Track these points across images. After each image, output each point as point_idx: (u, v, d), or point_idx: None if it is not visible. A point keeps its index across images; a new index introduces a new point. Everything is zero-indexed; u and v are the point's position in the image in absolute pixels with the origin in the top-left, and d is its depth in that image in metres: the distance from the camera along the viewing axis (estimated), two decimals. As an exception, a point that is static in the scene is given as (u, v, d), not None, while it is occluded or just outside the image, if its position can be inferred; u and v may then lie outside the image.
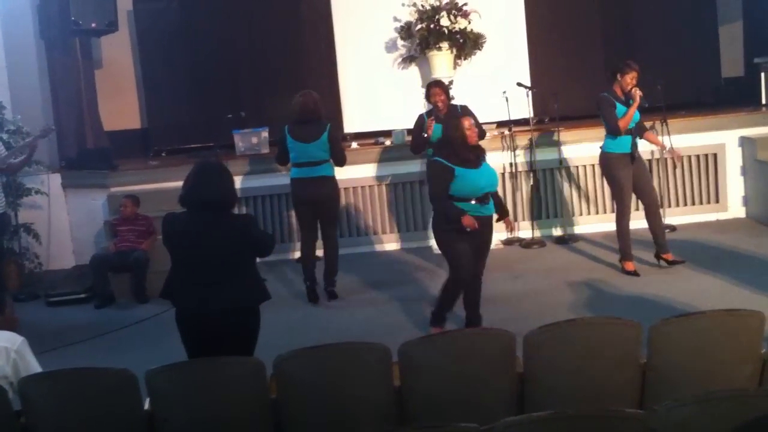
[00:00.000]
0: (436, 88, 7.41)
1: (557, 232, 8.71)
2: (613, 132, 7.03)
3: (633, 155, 6.99)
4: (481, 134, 7.54)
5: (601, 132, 8.49)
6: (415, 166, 8.53)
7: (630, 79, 6.90)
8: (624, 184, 7.05)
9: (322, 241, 7.20)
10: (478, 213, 5.74)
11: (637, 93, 6.87)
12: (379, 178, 8.69)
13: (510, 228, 6.17)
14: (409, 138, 8.74)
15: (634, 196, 7.25)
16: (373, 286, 7.44)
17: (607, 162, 7.15)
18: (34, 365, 4.00)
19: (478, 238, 5.77)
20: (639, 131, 7.18)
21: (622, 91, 6.96)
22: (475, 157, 5.76)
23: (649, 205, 7.17)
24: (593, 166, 8.72)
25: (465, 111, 7.48)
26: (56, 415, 3.64)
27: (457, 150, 5.73)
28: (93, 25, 8.87)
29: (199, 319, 4.29)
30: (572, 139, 8.67)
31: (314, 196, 6.96)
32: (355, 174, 8.48)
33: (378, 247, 8.68)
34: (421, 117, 7.58)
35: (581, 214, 8.80)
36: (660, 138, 7.85)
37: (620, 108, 6.95)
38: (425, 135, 7.30)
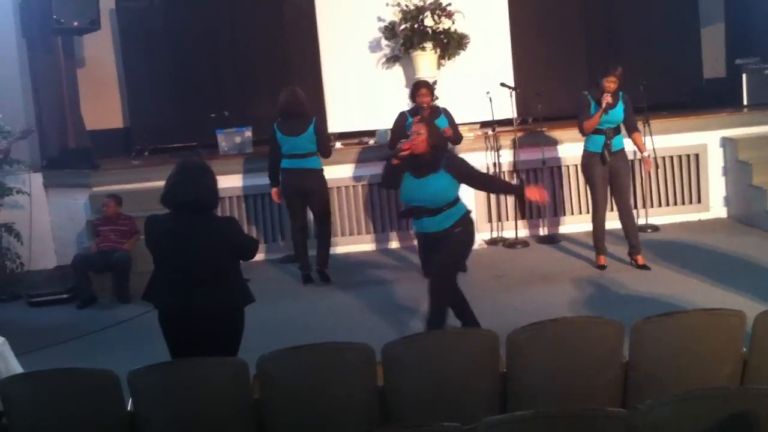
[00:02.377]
0: (423, 89, 7.43)
1: (541, 231, 8.74)
2: (580, 131, 7.19)
3: (603, 156, 7.04)
4: (456, 139, 7.58)
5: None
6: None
7: (607, 83, 6.92)
8: (595, 181, 7.17)
9: (315, 228, 7.65)
10: (416, 226, 5.50)
11: (605, 99, 6.90)
12: (362, 178, 8.69)
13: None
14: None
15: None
16: (355, 286, 7.43)
17: (582, 159, 7.33)
18: (15, 366, 3.98)
19: (422, 254, 5.59)
20: (628, 130, 7.22)
21: (602, 93, 6.98)
22: (418, 166, 5.27)
23: (621, 206, 7.26)
24: (576, 166, 8.75)
25: (446, 113, 7.51)
26: (38, 416, 3.62)
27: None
28: (75, 23, 8.81)
29: (181, 321, 4.27)
30: (555, 140, 8.70)
31: (303, 186, 7.37)
32: (339, 174, 8.48)
33: (359, 248, 8.67)
34: (402, 115, 7.61)
35: (565, 214, 8.84)
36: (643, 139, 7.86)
37: (595, 108, 7.02)
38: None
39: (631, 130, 7.27)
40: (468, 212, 5.41)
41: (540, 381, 3.64)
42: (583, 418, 2.87)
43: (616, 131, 7.12)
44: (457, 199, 5.33)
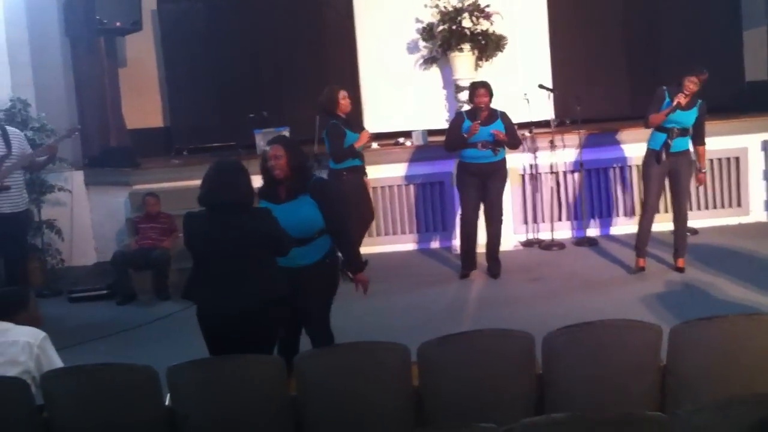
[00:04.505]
0: (481, 89, 7.35)
1: (577, 234, 8.68)
2: (644, 123, 7.07)
3: (659, 154, 6.92)
4: (514, 144, 7.52)
5: (622, 135, 8.50)
6: (437, 167, 8.54)
7: (688, 81, 6.78)
8: (649, 180, 7.06)
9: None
10: (282, 261, 4.56)
11: (678, 98, 6.76)
12: (400, 179, 8.70)
13: (365, 289, 4.98)
14: (432, 138, 8.77)
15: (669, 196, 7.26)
16: (392, 286, 7.44)
17: (644, 156, 7.18)
18: (56, 360, 4.03)
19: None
20: (694, 141, 7.09)
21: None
22: (278, 193, 4.72)
23: (676, 209, 7.16)
24: (613, 168, 8.71)
25: (504, 117, 7.44)
26: (78, 410, 3.67)
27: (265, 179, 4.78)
28: (117, 24, 8.93)
29: (220, 319, 4.31)
30: (593, 142, 8.63)
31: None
32: (376, 174, 8.50)
33: (399, 247, 8.68)
34: (459, 115, 7.61)
35: (601, 217, 8.77)
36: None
37: (668, 105, 6.89)
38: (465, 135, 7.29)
39: (698, 142, 7.12)
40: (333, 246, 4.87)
41: (576, 384, 3.62)
42: (621, 422, 2.85)
43: (682, 133, 6.94)
44: (324, 230, 4.76)
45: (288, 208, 4.62)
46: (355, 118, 7.80)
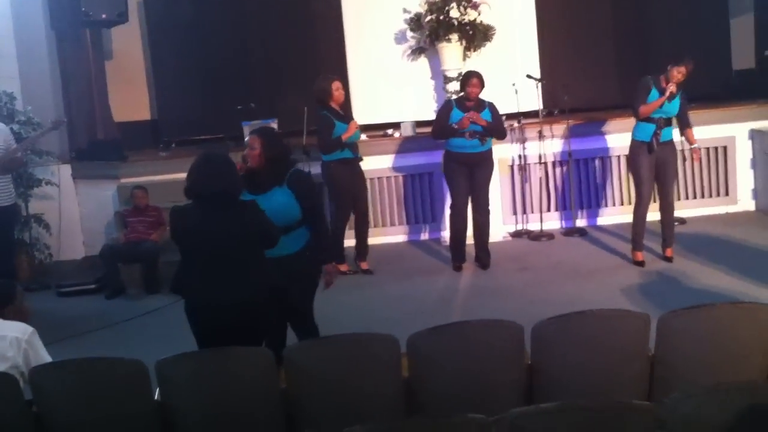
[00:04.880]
0: (474, 79, 7.34)
1: (566, 224, 8.70)
2: (634, 115, 7.06)
3: (651, 145, 6.94)
4: (500, 133, 7.53)
5: (610, 125, 8.52)
6: (426, 158, 8.53)
7: (676, 71, 6.81)
8: (641, 172, 7.05)
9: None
10: None
11: (670, 87, 6.79)
12: (389, 170, 8.70)
13: (327, 282, 4.95)
14: (420, 130, 8.76)
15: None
16: (382, 277, 7.45)
17: (630, 148, 7.20)
18: (44, 355, 4.02)
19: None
20: (681, 126, 7.13)
21: (666, 81, 6.88)
22: (256, 182, 4.72)
23: (663, 198, 7.18)
24: (602, 158, 8.74)
25: (492, 108, 7.44)
26: (67, 405, 3.67)
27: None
28: (103, 16, 8.86)
29: (209, 311, 4.30)
30: (582, 132, 8.65)
31: None
32: (365, 166, 8.47)
33: (389, 239, 8.69)
34: (447, 102, 7.61)
35: (590, 207, 8.79)
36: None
37: (654, 95, 6.91)
38: (455, 126, 7.30)
39: (685, 126, 7.15)
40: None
41: (565, 373, 3.63)
42: (609, 410, 2.86)
43: (667, 123, 6.99)
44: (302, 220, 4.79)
45: (262, 198, 4.60)
46: (345, 109, 7.76)
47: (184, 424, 3.69)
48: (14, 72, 8.68)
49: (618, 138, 8.54)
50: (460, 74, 8.43)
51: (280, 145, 4.87)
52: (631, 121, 7.31)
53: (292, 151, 5.07)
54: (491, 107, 7.40)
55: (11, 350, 3.91)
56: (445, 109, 7.52)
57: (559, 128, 8.61)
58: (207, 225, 4.27)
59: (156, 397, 3.77)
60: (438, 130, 7.51)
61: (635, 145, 7.08)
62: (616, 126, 8.54)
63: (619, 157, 8.67)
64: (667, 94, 6.81)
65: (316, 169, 7.55)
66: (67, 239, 8.84)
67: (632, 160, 7.17)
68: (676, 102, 6.97)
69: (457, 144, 7.34)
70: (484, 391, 3.61)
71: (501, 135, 7.57)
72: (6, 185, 7.02)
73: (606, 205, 8.79)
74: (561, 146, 8.60)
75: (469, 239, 7.64)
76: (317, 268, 4.91)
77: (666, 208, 7.15)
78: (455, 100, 7.58)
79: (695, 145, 7.26)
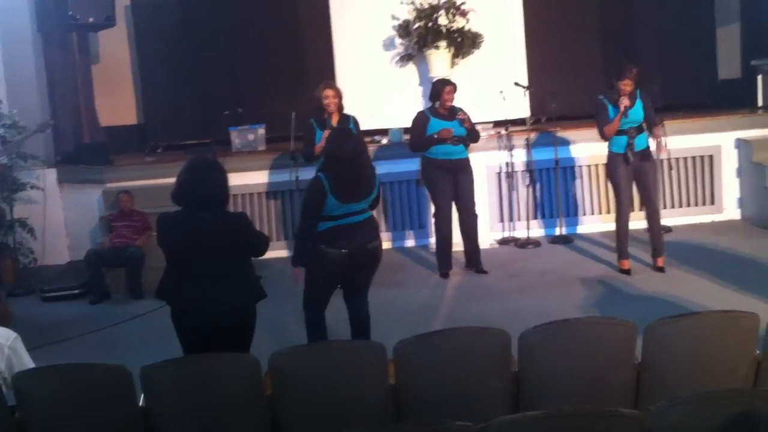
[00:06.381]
0: (449, 87, 7.37)
1: (553, 231, 8.72)
2: (601, 137, 7.09)
3: (626, 156, 6.96)
4: (477, 136, 7.55)
5: (597, 133, 8.52)
6: (414, 165, 8.52)
7: (622, 86, 6.82)
8: (619, 183, 7.06)
9: None
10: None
11: (623, 102, 6.81)
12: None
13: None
14: (408, 136, 8.75)
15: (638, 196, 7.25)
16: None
17: (607, 160, 7.22)
18: (27, 361, 3.98)
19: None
20: (649, 127, 7.07)
21: (618, 96, 6.88)
22: None
23: (648, 206, 7.19)
24: (589, 166, 8.77)
25: (462, 111, 7.49)
26: (51, 411, 3.63)
27: None
28: (91, 19, 8.84)
29: (194, 318, 4.28)
30: (569, 139, 8.68)
31: None
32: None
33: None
34: (422, 114, 7.56)
35: (577, 214, 8.82)
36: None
37: (613, 112, 6.93)
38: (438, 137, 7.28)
39: (653, 125, 7.09)
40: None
41: (552, 381, 3.63)
42: (596, 418, 2.86)
43: (639, 130, 6.99)
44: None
45: None
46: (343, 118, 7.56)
47: (169, 430, 3.66)
48: (0, 75, 8.63)
49: (604, 146, 8.50)
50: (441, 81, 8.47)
51: (332, 146, 5.15)
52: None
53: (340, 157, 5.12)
54: (461, 111, 7.40)
55: (-6, 356, 3.87)
56: (421, 121, 7.48)
57: (546, 136, 8.62)
58: (193, 231, 4.26)
59: (141, 403, 3.74)
60: (417, 142, 7.48)
61: (611, 156, 7.11)
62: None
63: (606, 164, 8.69)
64: (622, 109, 6.83)
65: (304, 174, 7.53)
66: (52, 243, 8.79)
67: (610, 171, 7.21)
68: (638, 107, 6.96)
69: (441, 151, 7.33)
70: (470, 399, 3.61)
71: (477, 137, 7.60)
72: (-11, 189, 6.99)
73: (593, 213, 8.81)
74: (548, 154, 8.61)
75: (457, 246, 7.64)
76: (315, 259, 5.12)
77: (652, 216, 7.16)
78: (429, 109, 7.57)
79: (660, 139, 7.07)
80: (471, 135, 7.42)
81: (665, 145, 7.19)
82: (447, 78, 7.60)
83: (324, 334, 5.24)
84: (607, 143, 7.14)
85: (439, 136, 7.26)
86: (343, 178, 5.03)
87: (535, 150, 8.63)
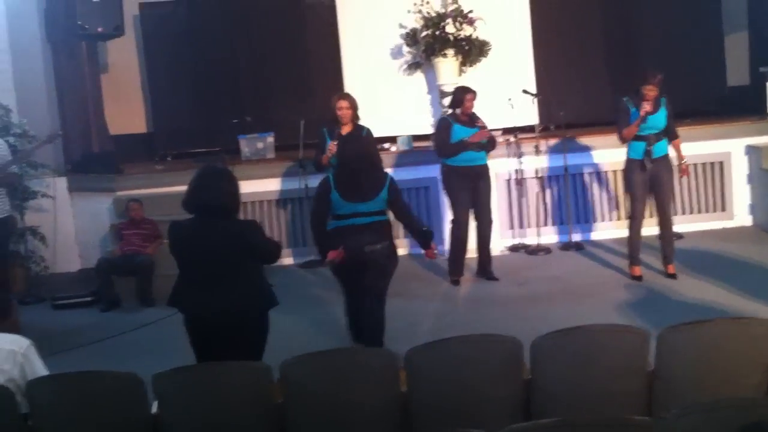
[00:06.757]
0: (470, 94, 7.39)
1: (563, 238, 8.70)
2: (619, 139, 7.06)
3: (643, 163, 6.93)
4: (493, 144, 7.56)
5: (605, 140, 8.54)
6: (422, 172, 8.54)
7: (646, 90, 6.79)
8: (634, 190, 7.04)
9: None
10: None
11: (644, 108, 6.78)
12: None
13: None
14: (417, 144, 8.77)
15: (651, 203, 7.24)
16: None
17: (625, 165, 7.18)
18: (40, 368, 4.00)
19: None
20: (669, 138, 7.07)
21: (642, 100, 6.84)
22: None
23: (661, 214, 7.14)
24: (598, 173, 8.76)
25: (480, 119, 7.49)
26: (63, 418, 3.65)
27: None
28: (99, 29, 8.88)
29: (206, 325, 4.30)
30: (578, 147, 8.67)
31: None
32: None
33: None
34: (446, 120, 7.54)
35: (587, 221, 8.80)
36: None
37: (635, 114, 6.89)
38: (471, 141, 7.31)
39: (672, 138, 7.11)
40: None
41: (564, 389, 3.62)
42: (608, 426, 2.85)
43: (659, 137, 6.95)
44: None
45: None
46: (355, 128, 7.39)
47: (180, 437, 3.67)
48: (9, 85, 8.69)
49: (613, 153, 8.53)
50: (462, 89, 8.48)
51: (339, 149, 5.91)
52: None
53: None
54: (479, 119, 7.44)
55: (6, 363, 3.88)
56: (444, 127, 7.48)
57: (555, 143, 8.62)
58: (204, 239, 4.28)
59: (154, 411, 3.74)
60: (444, 147, 7.44)
61: (629, 162, 7.08)
62: (612, 141, 8.54)
63: (615, 171, 8.69)
64: (643, 114, 6.80)
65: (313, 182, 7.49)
66: (63, 252, 8.82)
67: (626, 177, 7.17)
68: (662, 114, 6.95)
69: (466, 158, 7.33)
70: (481, 406, 3.60)
71: (495, 145, 7.65)
72: (1, 198, 7.00)
73: (603, 220, 8.80)
74: (557, 161, 8.61)
75: (469, 252, 7.64)
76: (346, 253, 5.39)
77: (664, 224, 7.13)
78: (450, 116, 7.58)
79: (684, 161, 7.25)
80: (491, 142, 7.45)
81: (687, 167, 7.30)
82: (467, 86, 7.57)
83: (353, 323, 5.73)
84: (623, 149, 7.12)
85: (472, 140, 7.26)
86: (346, 177, 5.45)
87: (549, 156, 8.61)
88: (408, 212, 5.76)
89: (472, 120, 7.39)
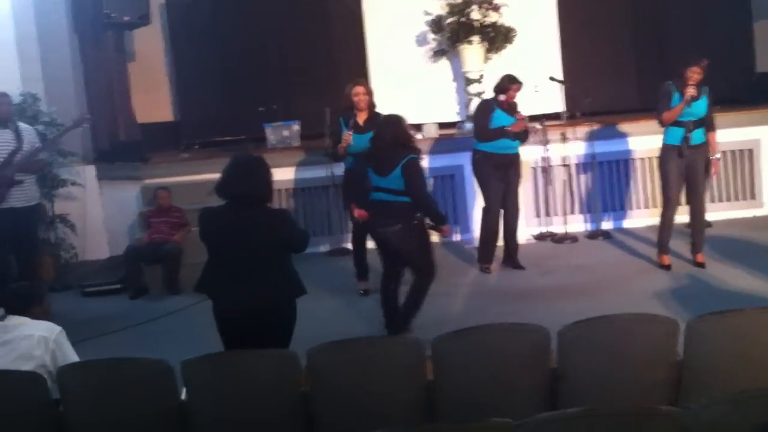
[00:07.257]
0: (517, 85, 7.29)
1: (589, 227, 8.65)
2: (658, 122, 6.96)
3: (681, 149, 6.83)
4: (527, 136, 7.53)
5: (633, 127, 8.47)
6: (448, 160, 8.52)
7: (690, 72, 6.68)
8: (668, 176, 6.95)
9: None
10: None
11: (689, 91, 6.66)
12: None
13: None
14: (442, 131, 8.74)
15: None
16: (407, 278, 7.42)
17: (661, 152, 7.08)
18: (71, 355, 4.05)
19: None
20: (706, 128, 6.95)
21: (686, 85, 6.73)
22: None
23: (693, 203, 7.05)
24: (626, 161, 8.69)
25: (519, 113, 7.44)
26: (93, 404, 3.69)
27: None
28: (126, 18, 8.93)
29: (234, 313, 4.33)
30: (605, 135, 8.60)
31: None
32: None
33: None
34: (488, 103, 7.44)
35: (614, 210, 8.74)
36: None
37: (677, 99, 6.80)
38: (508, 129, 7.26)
39: (708, 129, 6.97)
40: None
41: (591, 378, 3.61)
42: (635, 416, 2.85)
43: (698, 124, 6.84)
44: None
45: None
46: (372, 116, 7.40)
47: (207, 424, 3.70)
48: (38, 74, 8.75)
49: (641, 140, 8.49)
50: (481, 76, 8.43)
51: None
52: (654, 124, 7.24)
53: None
54: (519, 111, 7.39)
55: (38, 349, 3.95)
56: (486, 110, 7.36)
57: (582, 130, 8.56)
58: (231, 226, 4.31)
59: (182, 398, 3.78)
60: (484, 131, 7.32)
61: (665, 149, 6.98)
62: (640, 128, 8.49)
63: (643, 159, 8.63)
64: (687, 97, 6.69)
65: (340, 170, 7.50)
66: (92, 239, 8.90)
67: (662, 163, 7.06)
68: (704, 102, 6.84)
69: (501, 145, 7.26)
70: (508, 396, 3.60)
71: (528, 137, 7.60)
72: (30, 186, 7.06)
73: (630, 208, 8.74)
74: (584, 148, 8.55)
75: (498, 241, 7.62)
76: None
77: (696, 213, 7.04)
78: (492, 100, 7.46)
79: (716, 155, 7.12)
80: (526, 133, 7.43)
81: (717, 162, 7.19)
82: (515, 76, 7.46)
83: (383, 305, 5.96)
84: (651, 137, 7.03)
85: (513, 129, 7.21)
86: (372, 147, 5.95)
87: (575, 143, 8.54)
88: (415, 193, 5.63)
89: (511, 109, 7.33)
